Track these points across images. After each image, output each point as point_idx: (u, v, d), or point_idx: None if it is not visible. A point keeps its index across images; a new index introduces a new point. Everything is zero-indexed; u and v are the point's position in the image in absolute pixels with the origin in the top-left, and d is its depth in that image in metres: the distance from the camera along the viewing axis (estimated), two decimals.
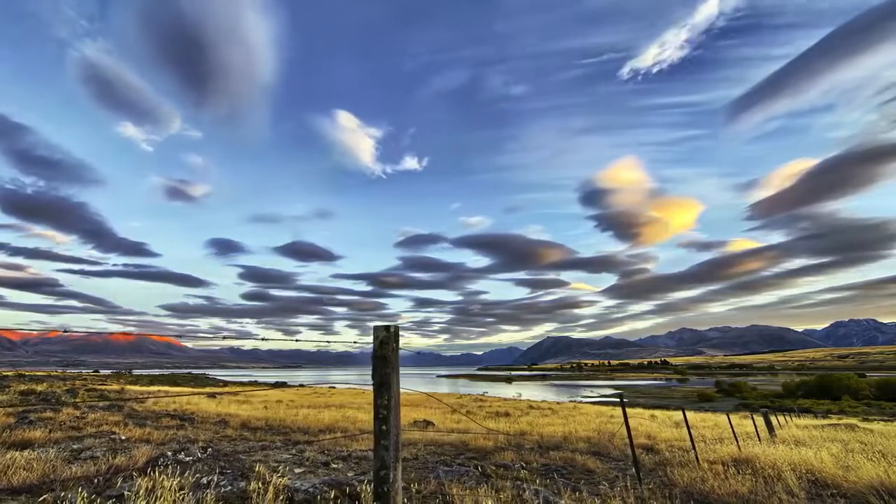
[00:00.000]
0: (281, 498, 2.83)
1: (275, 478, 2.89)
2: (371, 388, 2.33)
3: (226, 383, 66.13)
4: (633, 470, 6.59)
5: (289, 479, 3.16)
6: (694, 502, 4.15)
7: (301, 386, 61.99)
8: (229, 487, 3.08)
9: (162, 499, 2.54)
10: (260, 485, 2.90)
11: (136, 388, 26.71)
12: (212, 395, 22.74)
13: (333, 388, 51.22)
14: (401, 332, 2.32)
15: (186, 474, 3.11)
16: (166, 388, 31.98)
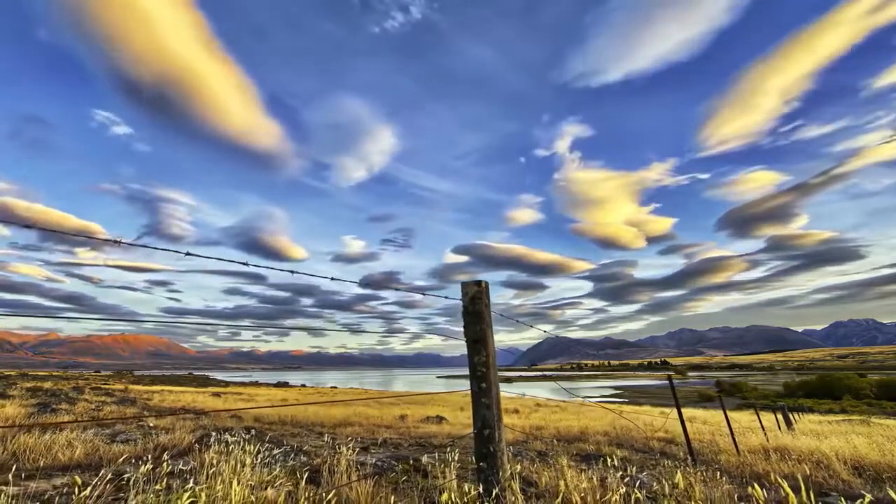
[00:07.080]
0: (355, 468, 2.74)
1: (345, 451, 2.80)
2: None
3: (228, 384, 65.94)
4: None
5: (353, 455, 3.07)
6: (748, 483, 4.05)
7: (303, 386, 61.89)
8: (292, 462, 3.00)
9: (240, 473, 2.44)
10: (327, 458, 2.81)
11: (140, 387, 26.59)
12: (216, 395, 22.70)
13: (335, 388, 51.16)
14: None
15: (253, 448, 3.02)
16: (170, 387, 31.86)
